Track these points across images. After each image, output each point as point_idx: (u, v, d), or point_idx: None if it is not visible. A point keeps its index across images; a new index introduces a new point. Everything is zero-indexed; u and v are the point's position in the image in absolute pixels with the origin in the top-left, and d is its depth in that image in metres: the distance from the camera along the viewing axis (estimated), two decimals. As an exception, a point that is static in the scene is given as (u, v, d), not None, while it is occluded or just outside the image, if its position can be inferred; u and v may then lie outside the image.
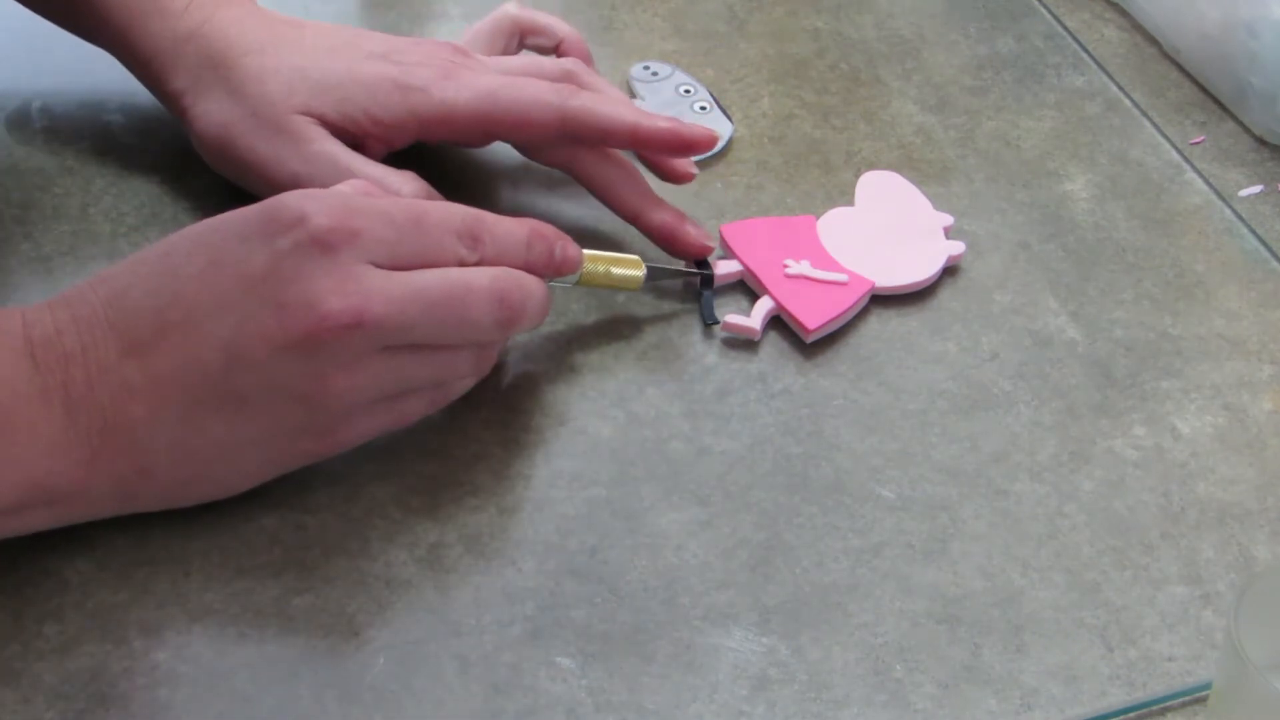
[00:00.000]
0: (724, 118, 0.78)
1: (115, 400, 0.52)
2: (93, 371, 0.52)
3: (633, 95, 0.80)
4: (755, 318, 0.67)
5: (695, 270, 0.69)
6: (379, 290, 0.53)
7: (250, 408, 0.53)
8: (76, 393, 0.52)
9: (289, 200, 0.53)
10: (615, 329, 0.68)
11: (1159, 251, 0.74)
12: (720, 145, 0.77)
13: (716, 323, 0.67)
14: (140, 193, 0.72)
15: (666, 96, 0.79)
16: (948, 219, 0.73)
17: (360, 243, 0.53)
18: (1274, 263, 0.74)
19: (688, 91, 0.80)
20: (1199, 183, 0.78)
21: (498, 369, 0.64)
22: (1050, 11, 0.89)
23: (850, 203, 0.74)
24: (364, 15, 0.84)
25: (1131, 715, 0.56)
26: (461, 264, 0.56)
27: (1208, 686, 0.56)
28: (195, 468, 0.55)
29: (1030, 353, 0.69)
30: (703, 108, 0.79)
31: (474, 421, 0.64)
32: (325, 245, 0.52)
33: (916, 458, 0.64)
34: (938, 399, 0.67)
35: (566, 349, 0.67)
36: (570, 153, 0.69)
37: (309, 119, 0.65)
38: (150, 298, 0.52)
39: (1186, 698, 0.57)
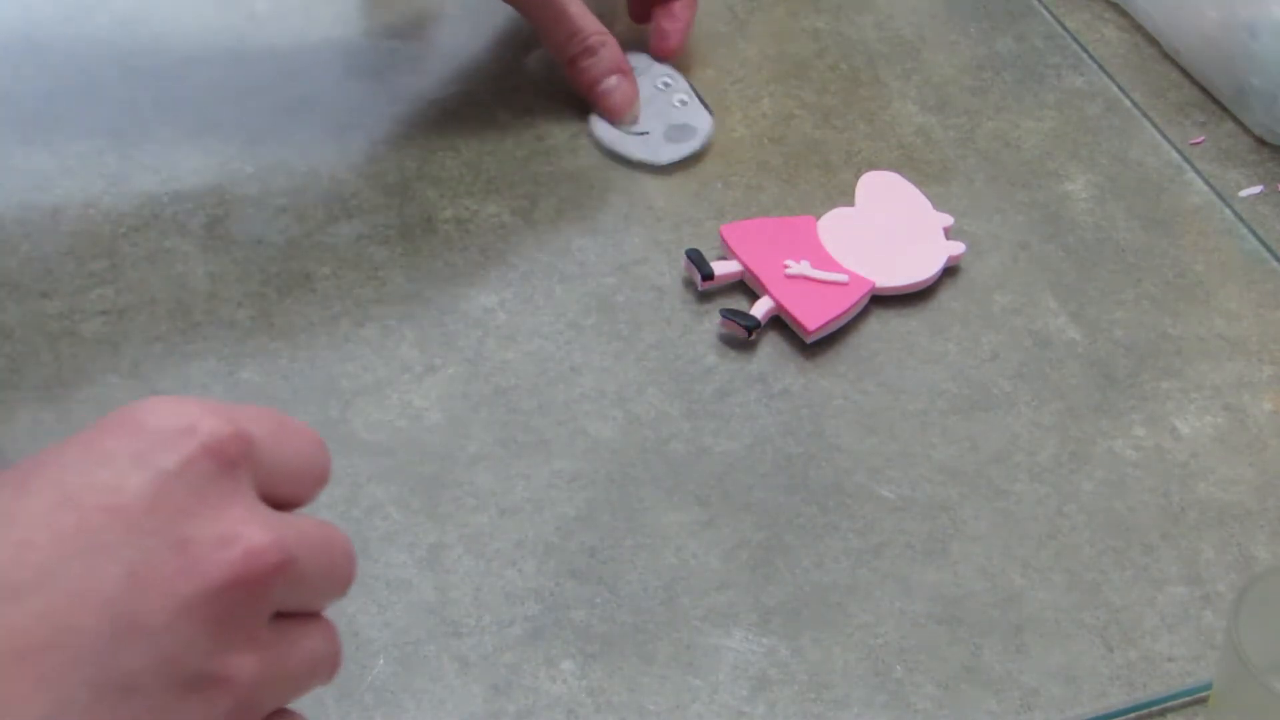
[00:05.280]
0: (704, 110, 0.78)
1: None
2: None
3: None
4: (756, 315, 0.68)
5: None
6: (283, 522, 0.39)
7: (135, 703, 0.36)
8: None
9: (157, 406, 0.39)
10: (615, 329, 0.68)
11: (1159, 252, 0.74)
12: (702, 141, 0.77)
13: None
14: (140, 193, 0.72)
15: (646, 91, 0.78)
16: (948, 219, 0.73)
17: (254, 458, 0.39)
18: (1274, 263, 0.74)
19: (667, 84, 0.79)
20: (1199, 183, 0.78)
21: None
22: (1050, 12, 0.89)
23: (850, 203, 0.74)
24: (364, 15, 0.84)
25: (1131, 716, 0.56)
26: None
27: (1208, 687, 0.56)
28: None
29: (1030, 353, 0.69)
30: (683, 101, 0.78)
31: (474, 421, 0.64)
32: (226, 460, 0.38)
33: (916, 458, 0.64)
34: (938, 399, 0.67)
35: (566, 349, 0.67)
36: None
37: None
38: None
39: (1186, 698, 0.57)
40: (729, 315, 0.68)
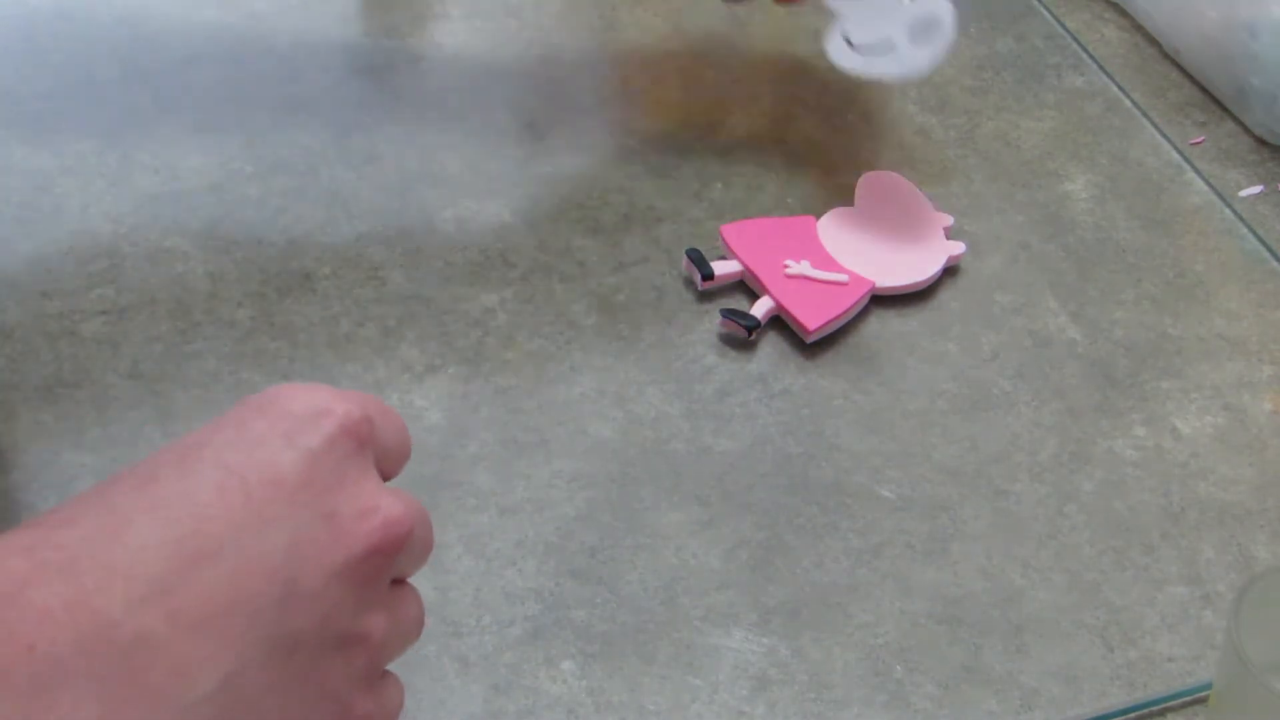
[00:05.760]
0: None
1: (126, 665, 0.37)
2: (84, 630, 0.36)
3: None
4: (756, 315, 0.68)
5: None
6: (401, 495, 0.43)
7: (298, 659, 0.40)
8: (66, 668, 0.36)
9: (295, 392, 0.43)
10: (615, 329, 0.68)
11: (1159, 252, 0.74)
12: (952, 26, 0.66)
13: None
14: (140, 193, 0.72)
15: None
16: (948, 219, 0.73)
17: (375, 438, 0.43)
18: (1274, 263, 0.74)
19: None
20: (1199, 183, 0.78)
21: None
22: (1050, 12, 0.89)
23: (850, 203, 0.74)
24: (364, 15, 0.84)
25: (1131, 716, 0.56)
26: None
27: (1208, 687, 0.56)
28: None
29: (1030, 353, 0.69)
30: None
31: (474, 421, 0.64)
32: (359, 440, 0.42)
33: (917, 458, 0.64)
34: (938, 399, 0.67)
35: (566, 349, 0.67)
36: None
37: None
38: (161, 528, 0.39)
39: (1186, 698, 0.57)
40: (729, 315, 0.68)
